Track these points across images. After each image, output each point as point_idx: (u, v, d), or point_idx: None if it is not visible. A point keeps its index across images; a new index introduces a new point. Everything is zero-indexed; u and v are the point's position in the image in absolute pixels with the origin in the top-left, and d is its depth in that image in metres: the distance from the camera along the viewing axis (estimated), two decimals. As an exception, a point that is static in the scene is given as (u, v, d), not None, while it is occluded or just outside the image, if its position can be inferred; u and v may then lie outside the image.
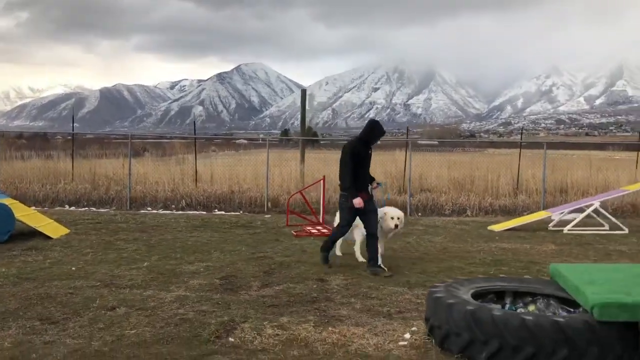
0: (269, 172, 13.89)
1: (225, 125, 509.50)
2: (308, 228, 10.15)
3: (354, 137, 7.11)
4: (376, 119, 7.29)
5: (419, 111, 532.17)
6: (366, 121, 7.02)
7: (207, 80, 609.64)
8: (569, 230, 10.33)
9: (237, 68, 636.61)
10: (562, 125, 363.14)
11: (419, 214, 13.57)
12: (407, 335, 4.52)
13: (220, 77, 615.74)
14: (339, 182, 6.92)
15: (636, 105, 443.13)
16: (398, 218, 6.96)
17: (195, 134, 20.06)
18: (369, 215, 6.77)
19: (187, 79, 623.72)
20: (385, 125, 7.42)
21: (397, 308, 5.32)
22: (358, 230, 7.23)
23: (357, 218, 6.87)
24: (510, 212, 13.51)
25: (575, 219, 10.64)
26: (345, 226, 7.00)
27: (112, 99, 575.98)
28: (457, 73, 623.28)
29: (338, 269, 6.96)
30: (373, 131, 6.83)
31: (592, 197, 11.93)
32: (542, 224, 10.94)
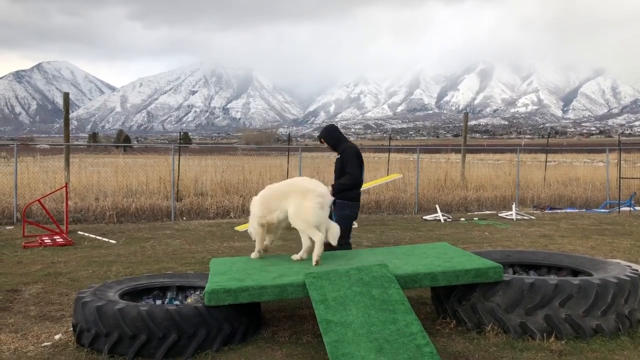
0: (17, 180, 12.99)
1: (25, 128, 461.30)
2: (44, 238, 9.78)
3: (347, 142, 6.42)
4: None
5: (238, 115, 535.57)
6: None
7: (1, 78, 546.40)
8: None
9: (38, 66, 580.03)
10: (370, 130, 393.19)
11: (184, 218, 13.83)
12: (58, 337, 4.68)
13: (18, 76, 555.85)
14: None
15: (430, 112, 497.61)
16: None
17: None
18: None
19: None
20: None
21: (72, 312, 5.44)
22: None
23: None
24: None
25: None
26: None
27: None
28: (274, 79, 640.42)
29: (40, 278, 6.88)
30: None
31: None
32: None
